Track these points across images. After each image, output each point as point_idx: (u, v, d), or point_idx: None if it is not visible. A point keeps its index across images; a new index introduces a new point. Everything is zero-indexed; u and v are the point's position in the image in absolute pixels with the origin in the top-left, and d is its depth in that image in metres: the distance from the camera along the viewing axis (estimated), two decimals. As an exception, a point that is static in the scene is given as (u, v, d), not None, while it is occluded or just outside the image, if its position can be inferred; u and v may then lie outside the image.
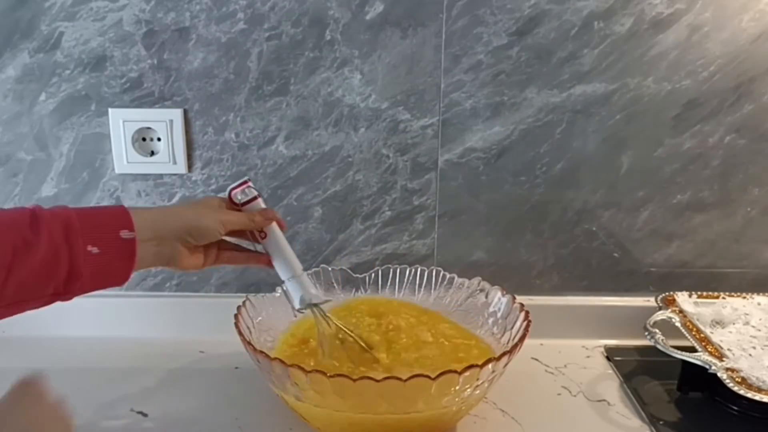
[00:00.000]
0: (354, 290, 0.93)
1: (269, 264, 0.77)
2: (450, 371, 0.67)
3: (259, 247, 0.78)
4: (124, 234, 0.64)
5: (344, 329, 0.79)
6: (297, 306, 0.78)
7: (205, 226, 0.70)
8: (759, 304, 0.93)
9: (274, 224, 0.77)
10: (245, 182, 0.77)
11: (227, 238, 0.76)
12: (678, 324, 0.89)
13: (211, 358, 0.95)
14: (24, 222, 0.60)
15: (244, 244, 0.78)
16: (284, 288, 0.78)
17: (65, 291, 0.62)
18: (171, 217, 0.70)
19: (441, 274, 0.92)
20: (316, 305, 0.77)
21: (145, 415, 0.82)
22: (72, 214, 0.62)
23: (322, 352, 0.79)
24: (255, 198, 0.76)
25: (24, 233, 0.59)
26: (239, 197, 0.76)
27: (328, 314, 0.79)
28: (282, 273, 0.77)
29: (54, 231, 0.60)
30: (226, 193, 0.76)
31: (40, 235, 0.59)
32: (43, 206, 0.63)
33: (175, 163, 0.95)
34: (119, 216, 0.65)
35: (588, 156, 0.95)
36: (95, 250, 0.62)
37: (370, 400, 0.69)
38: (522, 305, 0.82)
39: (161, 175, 0.97)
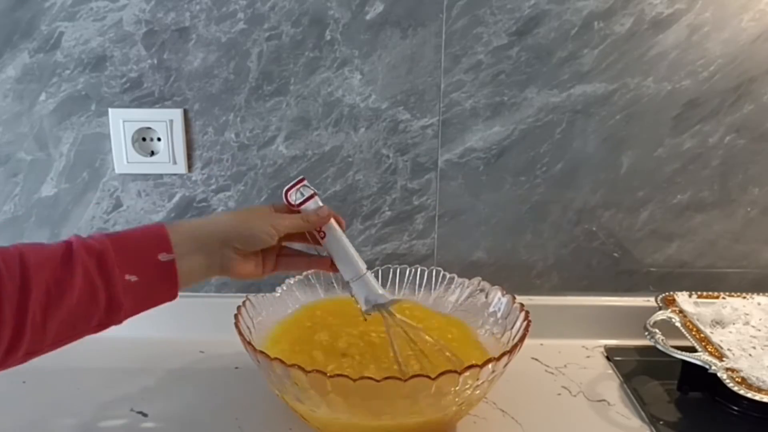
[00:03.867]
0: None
1: (333, 268, 0.74)
2: (450, 371, 0.67)
3: (322, 252, 0.75)
4: (163, 257, 0.63)
5: (412, 325, 0.76)
6: (364, 309, 0.74)
7: (252, 232, 0.68)
8: (759, 304, 0.93)
9: (333, 223, 0.73)
10: (300, 180, 0.73)
11: (289, 244, 0.74)
12: (678, 324, 0.89)
13: (211, 358, 0.95)
14: (55, 261, 0.59)
15: (307, 249, 0.75)
16: (350, 291, 0.75)
17: (109, 321, 0.62)
18: (213, 225, 0.68)
19: (441, 274, 0.92)
20: (383, 305, 0.74)
21: (145, 415, 0.82)
22: (107, 244, 0.61)
23: (393, 353, 0.76)
24: (312, 197, 0.73)
25: (56, 274, 0.58)
26: (294, 197, 0.73)
27: (396, 314, 0.75)
28: (345, 274, 0.74)
29: (88, 266, 0.59)
30: (283, 194, 0.74)
31: (74, 273, 0.59)
32: (82, 235, 0.62)
33: (175, 163, 0.95)
34: (157, 237, 0.64)
35: (588, 156, 0.95)
36: (133, 278, 0.62)
37: (371, 400, 0.69)
38: (522, 305, 0.82)
39: (161, 175, 0.97)
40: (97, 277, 0.60)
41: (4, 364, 0.58)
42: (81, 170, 0.96)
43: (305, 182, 0.74)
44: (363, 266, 0.74)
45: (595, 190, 0.97)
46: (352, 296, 0.75)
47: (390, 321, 0.75)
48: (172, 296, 0.65)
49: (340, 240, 0.74)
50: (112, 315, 0.62)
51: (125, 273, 0.61)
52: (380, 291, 0.74)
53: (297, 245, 0.76)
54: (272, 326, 0.85)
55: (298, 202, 0.73)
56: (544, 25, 0.90)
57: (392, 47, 0.91)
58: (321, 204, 0.74)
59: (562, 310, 0.99)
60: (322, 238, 0.74)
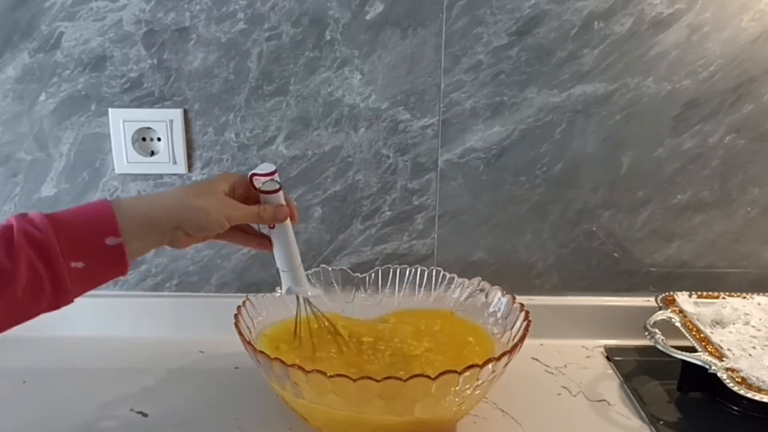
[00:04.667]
0: (354, 290, 0.93)
1: (271, 249, 0.76)
2: (450, 371, 0.67)
3: (264, 229, 0.76)
4: (110, 241, 0.61)
5: (323, 317, 0.81)
6: (283, 293, 0.79)
7: (207, 222, 0.67)
8: (759, 304, 0.93)
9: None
10: (273, 172, 0.74)
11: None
12: (678, 324, 0.89)
13: (211, 358, 0.95)
14: None
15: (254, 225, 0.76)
16: (279, 273, 0.78)
17: (57, 305, 0.61)
18: (165, 208, 0.66)
19: (441, 274, 0.92)
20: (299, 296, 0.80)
21: (145, 415, 0.82)
22: (50, 231, 0.59)
23: (297, 338, 0.81)
24: (276, 191, 0.74)
25: None
26: (260, 185, 0.74)
27: (310, 304, 0.81)
28: (279, 263, 0.77)
29: (32, 257, 0.57)
30: (249, 176, 0.74)
31: (17, 263, 0.56)
32: (27, 214, 0.59)
33: (175, 163, 0.95)
34: (103, 220, 0.61)
35: (588, 156, 0.95)
36: (80, 264, 0.60)
37: (370, 400, 0.69)
38: (522, 305, 0.82)
39: (161, 175, 0.97)
40: (41, 268, 0.58)
41: None
42: (81, 170, 0.96)
43: (275, 176, 0.74)
44: (298, 261, 0.77)
45: (595, 190, 0.97)
46: (279, 276, 0.78)
47: (303, 308, 0.80)
48: (121, 274, 0.63)
49: (286, 234, 0.76)
50: (60, 300, 0.61)
51: (71, 260, 0.59)
52: (304, 286, 0.78)
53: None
54: (272, 326, 0.86)
55: (261, 189, 0.74)
56: (544, 25, 0.90)
57: (392, 47, 0.91)
58: (283, 202, 0.74)
59: (562, 310, 0.99)
60: (272, 227, 0.75)
